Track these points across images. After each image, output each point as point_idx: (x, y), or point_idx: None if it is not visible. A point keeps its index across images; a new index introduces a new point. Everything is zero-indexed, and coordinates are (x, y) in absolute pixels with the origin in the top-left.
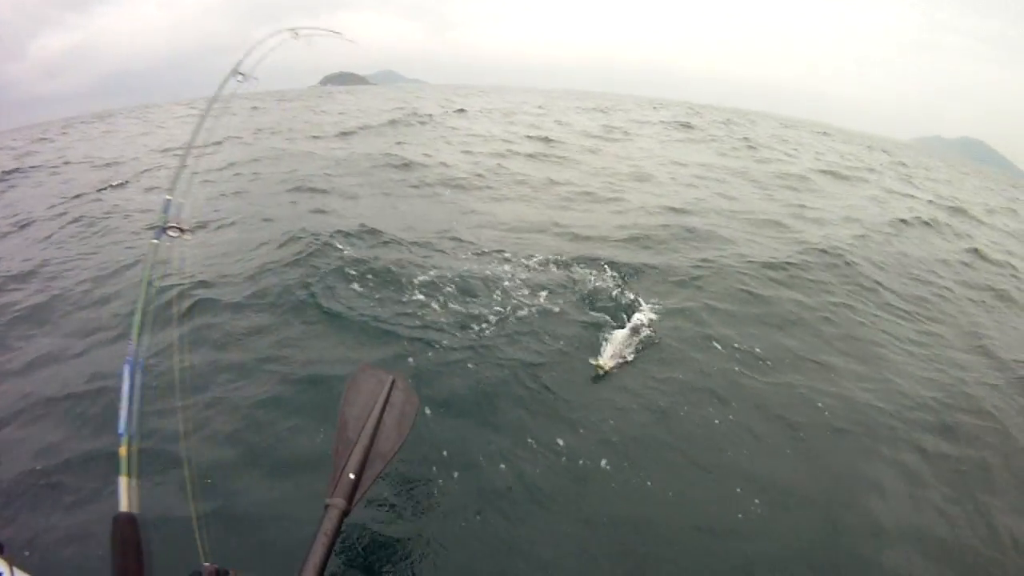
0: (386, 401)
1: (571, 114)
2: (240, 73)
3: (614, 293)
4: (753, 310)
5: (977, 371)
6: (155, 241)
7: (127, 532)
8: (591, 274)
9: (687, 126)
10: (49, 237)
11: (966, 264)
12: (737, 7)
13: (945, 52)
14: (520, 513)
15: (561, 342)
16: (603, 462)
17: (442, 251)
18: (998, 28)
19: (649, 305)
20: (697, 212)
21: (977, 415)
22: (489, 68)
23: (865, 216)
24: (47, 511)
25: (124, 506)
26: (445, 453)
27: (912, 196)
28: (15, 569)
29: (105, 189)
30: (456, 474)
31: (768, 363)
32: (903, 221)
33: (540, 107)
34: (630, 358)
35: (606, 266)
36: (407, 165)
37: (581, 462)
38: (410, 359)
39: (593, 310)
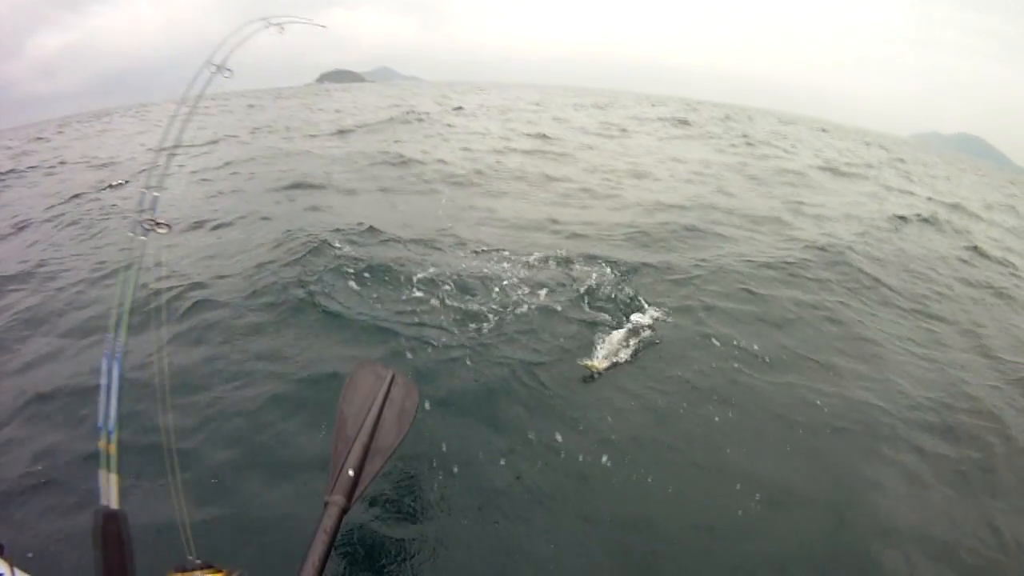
0: (386, 397)
1: (569, 110)
2: (215, 65)
3: (613, 291)
4: (752, 308)
5: (977, 370)
6: (131, 234)
7: (109, 527)
8: (590, 272)
9: (685, 122)
10: (47, 238)
11: (965, 261)
12: (737, 2)
13: (943, 48)
14: (520, 511)
15: (560, 340)
16: (603, 459)
17: (440, 248)
18: (996, 24)
19: (648, 304)
20: (695, 209)
21: (977, 415)
22: (486, 64)
23: (864, 213)
24: (47, 511)
25: (106, 501)
26: (444, 450)
27: (911, 193)
28: (15, 569)
29: (104, 189)
30: (456, 471)
31: (767, 361)
32: (902, 218)
33: (537, 103)
34: (626, 358)
35: (604, 263)
36: (405, 162)
37: (581, 460)
38: (409, 356)
39: (592, 308)
